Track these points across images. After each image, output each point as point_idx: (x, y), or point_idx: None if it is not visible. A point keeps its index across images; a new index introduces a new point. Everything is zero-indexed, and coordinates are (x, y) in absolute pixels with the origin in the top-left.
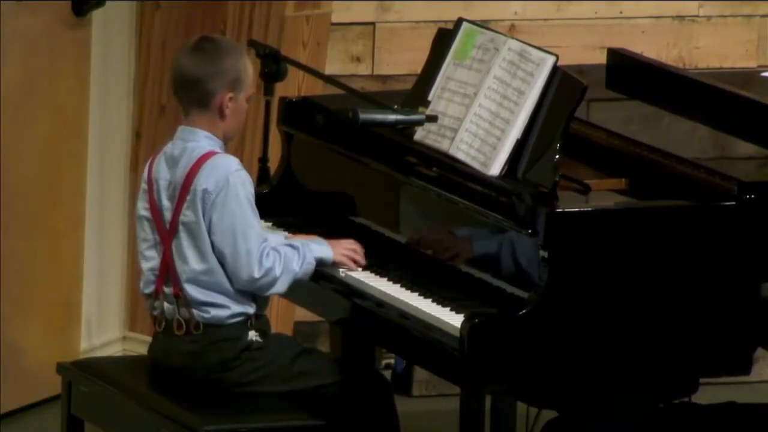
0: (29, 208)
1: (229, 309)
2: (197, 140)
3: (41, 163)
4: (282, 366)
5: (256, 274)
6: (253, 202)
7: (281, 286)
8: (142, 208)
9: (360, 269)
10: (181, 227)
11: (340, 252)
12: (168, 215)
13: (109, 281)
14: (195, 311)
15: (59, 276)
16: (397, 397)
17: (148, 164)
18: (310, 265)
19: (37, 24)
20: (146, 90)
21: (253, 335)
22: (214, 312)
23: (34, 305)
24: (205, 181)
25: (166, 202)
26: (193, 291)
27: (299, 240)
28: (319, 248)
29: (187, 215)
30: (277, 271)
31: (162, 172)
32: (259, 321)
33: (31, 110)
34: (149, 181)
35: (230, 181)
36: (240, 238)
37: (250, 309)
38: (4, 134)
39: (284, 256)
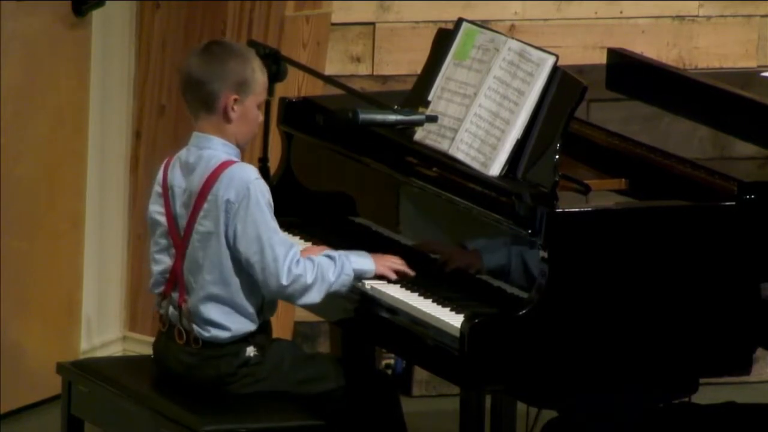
0: (29, 208)
1: (229, 331)
2: (213, 148)
3: (41, 163)
4: (281, 377)
5: (284, 281)
6: (272, 210)
7: (315, 296)
8: (156, 212)
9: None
10: (196, 237)
11: (383, 264)
12: (183, 223)
13: (109, 281)
14: (195, 326)
15: (59, 276)
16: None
17: (162, 167)
18: (347, 277)
19: (37, 24)
20: (146, 90)
21: (251, 351)
22: (214, 332)
23: (34, 305)
24: (225, 191)
25: (180, 210)
26: (197, 306)
27: (339, 252)
28: (359, 260)
29: (204, 225)
30: (308, 279)
31: (177, 179)
32: (258, 336)
33: (31, 110)
34: (164, 186)
35: (251, 189)
36: (266, 245)
37: (253, 326)
38: (4, 134)
39: (318, 265)
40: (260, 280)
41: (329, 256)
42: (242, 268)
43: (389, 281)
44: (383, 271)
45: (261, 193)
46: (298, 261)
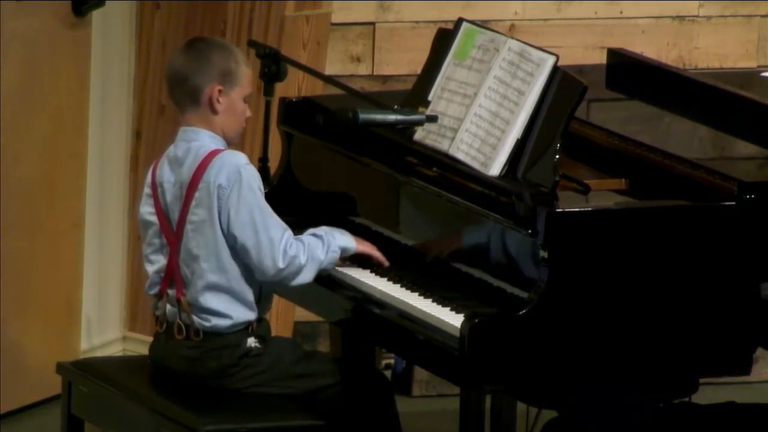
0: (29, 208)
1: (230, 319)
2: (201, 139)
3: (41, 163)
4: (281, 371)
5: (281, 264)
6: (264, 196)
7: (308, 275)
8: (147, 213)
9: (370, 272)
10: (189, 227)
11: (363, 245)
12: (175, 217)
13: (109, 281)
14: (195, 318)
15: (59, 276)
16: (397, 397)
17: (151, 169)
18: (334, 254)
19: (37, 24)
20: (146, 90)
21: (252, 342)
22: (215, 321)
23: (34, 305)
24: (217, 176)
25: (172, 204)
26: (196, 297)
27: (323, 229)
28: (342, 238)
29: (197, 214)
30: (302, 260)
31: (166, 175)
32: (259, 327)
33: (31, 110)
34: (153, 186)
35: (242, 174)
36: (261, 228)
37: (252, 314)
38: (4, 134)
39: (308, 245)
40: (255, 264)
41: (315, 235)
42: (238, 253)
43: (390, 280)
44: (363, 249)
45: (253, 177)
46: (291, 243)
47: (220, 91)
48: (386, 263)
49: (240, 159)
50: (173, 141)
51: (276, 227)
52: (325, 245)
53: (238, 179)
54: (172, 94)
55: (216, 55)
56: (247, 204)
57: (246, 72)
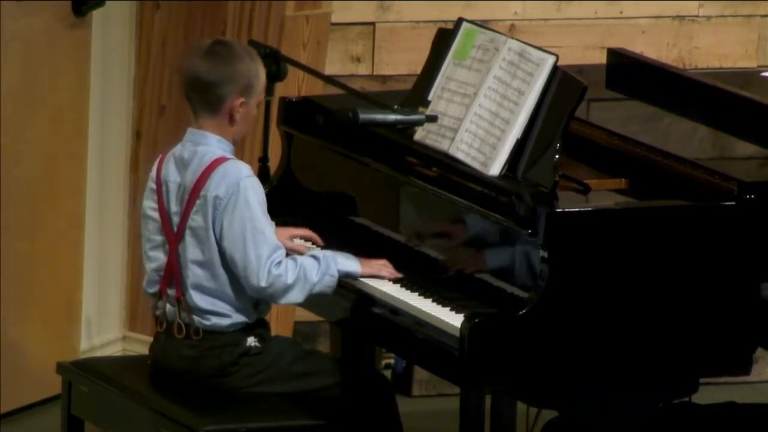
0: (29, 208)
1: (230, 318)
2: (208, 144)
3: (41, 163)
4: (281, 369)
5: (263, 283)
6: (265, 209)
7: (297, 295)
8: (149, 208)
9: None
10: (188, 232)
11: (370, 267)
12: (176, 219)
13: (109, 281)
14: (195, 317)
15: (59, 276)
16: (397, 397)
17: (156, 163)
18: (332, 278)
19: (37, 24)
20: (146, 90)
21: (252, 341)
22: (215, 320)
23: (34, 305)
24: (216, 187)
25: (174, 206)
26: (195, 297)
27: (326, 252)
28: (345, 262)
29: (195, 220)
30: (289, 279)
31: (171, 174)
32: (259, 326)
33: (31, 110)
34: (158, 182)
35: (240, 186)
36: (250, 244)
37: (251, 317)
38: (4, 134)
39: (301, 265)
40: (241, 278)
41: (314, 257)
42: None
43: (390, 280)
44: (371, 272)
45: (252, 189)
46: (279, 262)
47: (242, 104)
48: (398, 276)
49: (242, 171)
50: (181, 140)
51: (265, 245)
52: (322, 268)
53: (236, 192)
54: (190, 97)
55: (242, 67)
56: (240, 218)
57: (263, 80)
